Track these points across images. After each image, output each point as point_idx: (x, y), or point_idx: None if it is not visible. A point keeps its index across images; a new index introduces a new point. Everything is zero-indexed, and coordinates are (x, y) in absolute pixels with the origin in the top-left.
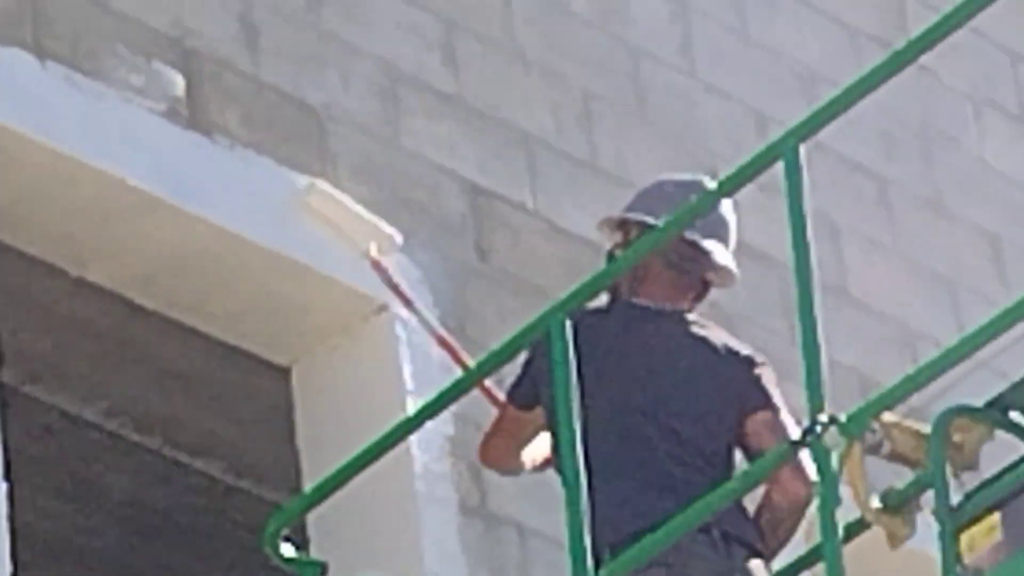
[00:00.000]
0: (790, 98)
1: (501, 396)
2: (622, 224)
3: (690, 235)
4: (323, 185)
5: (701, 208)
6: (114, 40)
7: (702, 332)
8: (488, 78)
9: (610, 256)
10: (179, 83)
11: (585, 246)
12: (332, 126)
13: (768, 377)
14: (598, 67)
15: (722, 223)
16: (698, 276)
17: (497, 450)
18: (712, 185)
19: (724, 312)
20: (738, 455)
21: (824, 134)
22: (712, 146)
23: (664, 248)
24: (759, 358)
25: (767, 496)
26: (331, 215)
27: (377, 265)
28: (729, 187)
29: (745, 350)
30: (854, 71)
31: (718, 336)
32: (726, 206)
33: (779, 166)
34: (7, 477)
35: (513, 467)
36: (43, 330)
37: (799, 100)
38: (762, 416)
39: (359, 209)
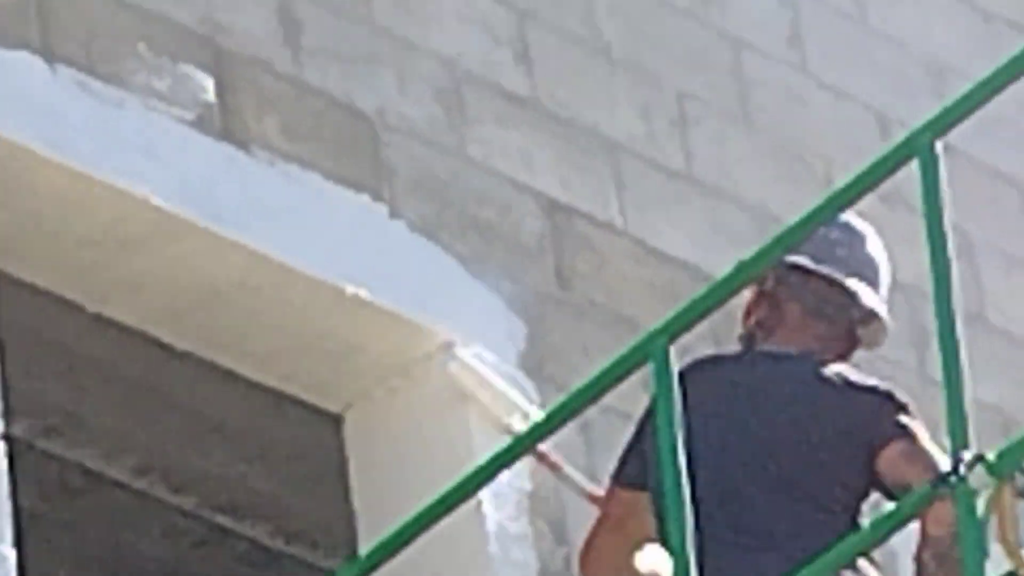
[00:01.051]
0: (917, 95)
1: (583, 481)
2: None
3: (830, 272)
4: (462, 353)
5: (811, 224)
6: (134, 39)
7: (824, 371)
8: (567, 78)
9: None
10: (209, 88)
11: (681, 269)
12: (387, 135)
13: (901, 408)
14: (694, 63)
15: (869, 263)
16: (843, 325)
17: (601, 554)
18: (864, 230)
19: None
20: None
21: (956, 136)
22: (827, 152)
23: (800, 289)
24: (897, 393)
25: (923, 532)
26: (471, 386)
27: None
28: (849, 196)
29: (874, 383)
30: (990, 63)
31: (842, 372)
32: (874, 244)
33: (904, 172)
34: (18, 544)
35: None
36: (58, 375)
37: (927, 98)
38: (897, 446)
39: (499, 380)
